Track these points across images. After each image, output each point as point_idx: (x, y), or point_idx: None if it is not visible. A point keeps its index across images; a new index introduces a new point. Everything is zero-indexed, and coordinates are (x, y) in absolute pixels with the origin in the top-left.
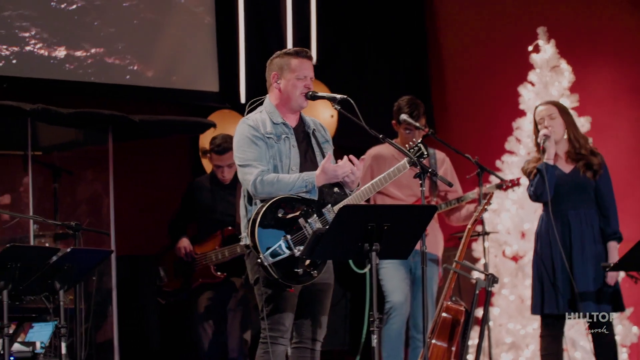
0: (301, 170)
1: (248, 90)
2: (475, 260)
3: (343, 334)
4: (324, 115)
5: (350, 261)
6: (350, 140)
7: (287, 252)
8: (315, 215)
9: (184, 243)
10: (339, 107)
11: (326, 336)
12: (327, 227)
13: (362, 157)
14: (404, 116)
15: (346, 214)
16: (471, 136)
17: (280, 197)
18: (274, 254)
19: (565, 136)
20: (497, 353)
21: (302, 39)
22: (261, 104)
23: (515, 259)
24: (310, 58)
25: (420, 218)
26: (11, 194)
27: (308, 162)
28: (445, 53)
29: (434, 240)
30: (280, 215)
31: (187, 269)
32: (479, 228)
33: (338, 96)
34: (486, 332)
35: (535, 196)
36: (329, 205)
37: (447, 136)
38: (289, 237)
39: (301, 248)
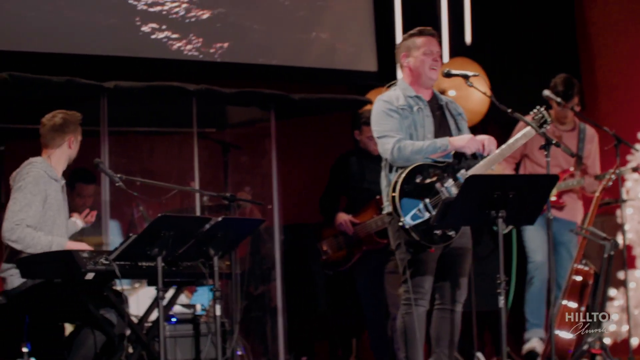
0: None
1: None
2: (618, 226)
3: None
4: (478, 94)
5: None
6: (503, 115)
7: (426, 215)
8: (450, 179)
9: (343, 217)
10: (472, 84)
11: (480, 297)
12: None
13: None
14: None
15: (473, 184)
16: (616, 111)
17: (417, 164)
18: (414, 217)
19: None
20: (638, 313)
21: (456, 19)
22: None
23: None
24: (434, 35)
25: (542, 187)
26: (182, 168)
27: (442, 130)
28: (593, 33)
29: (573, 208)
30: (418, 181)
31: (350, 240)
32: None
33: (470, 73)
34: (624, 293)
35: None
36: (463, 170)
37: (594, 112)
38: (427, 200)
39: None
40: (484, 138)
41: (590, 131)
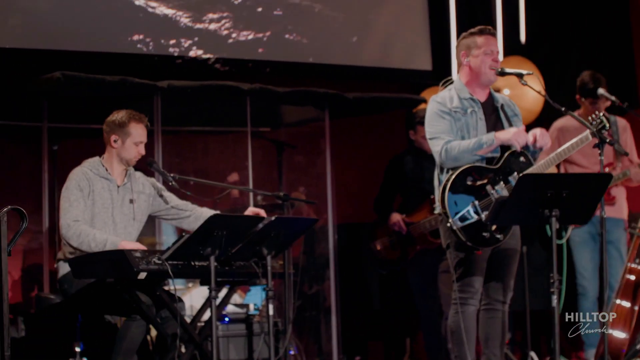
0: None
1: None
2: None
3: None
4: (532, 93)
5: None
6: (557, 114)
7: (475, 216)
8: (501, 182)
9: (397, 217)
10: (526, 83)
11: (534, 297)
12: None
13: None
14: (600, 90)
15: (526, 182)
16: None
17: (468, 165)
18: (462, 219)
19: None
20: None
21: (510, 19)
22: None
23: None
24: (494, 35)
25: (596, 185)
26: (236, 167)
27: (494, 130)
28: None
29: (620, 205)
30: (468, 182)
31: (404, 240)
32: None
33: (524, 72)
34: None
35: None
36: (515, 173)
37: None
38: (476, 202)
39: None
40: (535, 132)
41: (621, 122)
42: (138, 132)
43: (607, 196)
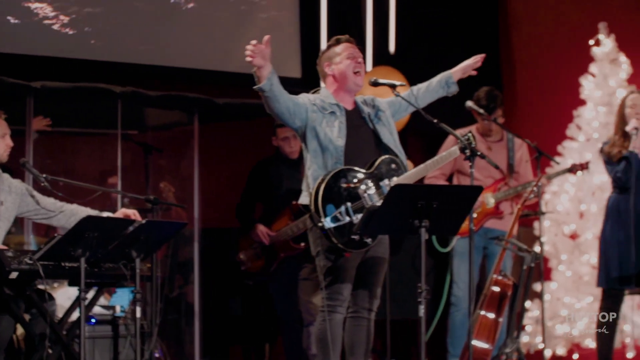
0: (348, 148)
1: None
2: (535, 238)
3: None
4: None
5: (435, 242)
6: (425, 125)
7: (347, 218)
8: (373, 187)
9: (260, 228)
10: (398, 94)
11: (410, 305)
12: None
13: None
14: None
15: (397, 193)
16: (536, 123)
17: (342, 168)
18: (333, 220)
19: None
20: (552, 325)
21: (380, 29)
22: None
23: (573, 237)
24: (351, 42)
25: (466, 197)
26: (103, 169)
27: (359, 137)
28: (515, 46)
29: (508, 219)
30: (341, 184)
31: (267, 248)
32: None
33: (397, 83)
34: (540, 305)
35: (620, 181)
36: (386, 180)
37: (515, 123)
38: (349, 204)
39: (359, 216)
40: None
41: (518, 140)
42: None
43: (495, 210)
